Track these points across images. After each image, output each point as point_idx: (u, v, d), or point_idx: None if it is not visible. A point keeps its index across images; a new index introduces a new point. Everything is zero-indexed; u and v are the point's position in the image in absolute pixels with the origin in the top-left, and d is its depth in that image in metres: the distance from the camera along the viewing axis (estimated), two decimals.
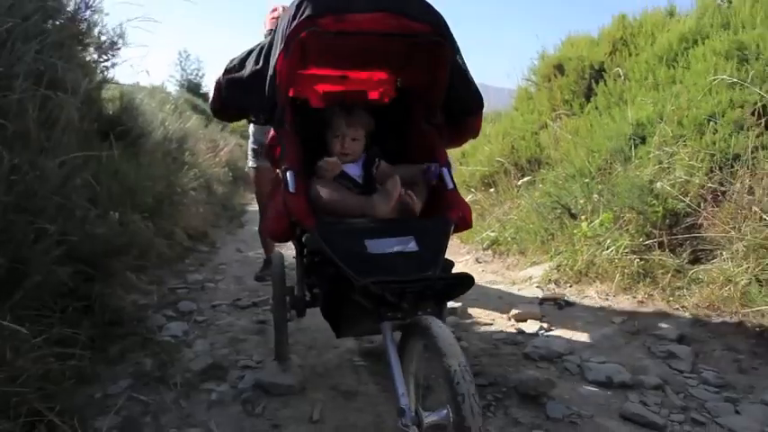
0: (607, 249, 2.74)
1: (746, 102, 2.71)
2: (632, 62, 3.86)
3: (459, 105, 1.73)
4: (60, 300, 1.89)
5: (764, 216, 2.22)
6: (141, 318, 2.46)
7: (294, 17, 1.48)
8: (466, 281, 1.30)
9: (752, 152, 2.51)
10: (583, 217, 3.04)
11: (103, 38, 3.88)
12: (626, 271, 2.61)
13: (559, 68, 4.74)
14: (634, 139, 3.18)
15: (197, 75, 16.49)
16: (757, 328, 2.02)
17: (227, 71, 1.74)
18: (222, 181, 7.95)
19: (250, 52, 1.71)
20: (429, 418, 1.12)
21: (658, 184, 2.67)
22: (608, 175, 3.13)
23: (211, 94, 1.85)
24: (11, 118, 1.93)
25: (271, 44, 1.61)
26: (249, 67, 1.67)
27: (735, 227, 2.31)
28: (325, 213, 1.50)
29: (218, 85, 1.76)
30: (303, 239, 1.75)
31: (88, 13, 3.64)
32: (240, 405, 1.70)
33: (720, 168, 2.60)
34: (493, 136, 5.17)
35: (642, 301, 2.53)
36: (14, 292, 1.60)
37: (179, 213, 4.65)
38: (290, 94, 1.78)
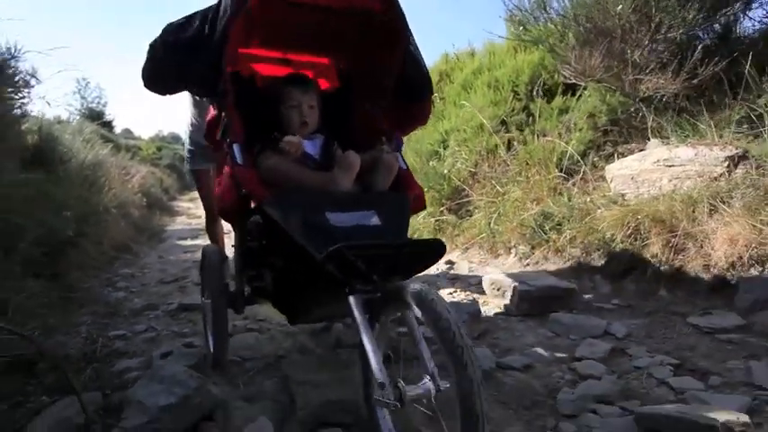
0: (419, 217, 4.13)
1: (497, 116, 4.24)
2: (449, 88, 5.39)
3: (409, 89, 1.69)
4: (35, 269, 2.86)
5: (496, 185, 3.70)
6: (89, 290, 3.41)
7: None
8: (437, 248, 1.25)
9: (496, 147, 4.02)
10: None
11: (17, 78, 4.73)
12: (428, 229, 4.01)
13: None
14: (442, 143, 4.64)
15: (98, 103, 16.44)
16: (487, 248, 3.45)
17: (165, 33, 1.59)
18: (137, 205, 8.56)
19: (191, 17, 1.59)
20: (412, 392, 1.05)
21: (446, 171, 4.11)
22: (426, 167, 4.55)
23: (143, 62, 1.64)
24: None
25: (218, 9, 1.52)
26: (192, 30, 1.55)
27: (481, 193, 3.78)
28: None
29: (154, 50, 1.59)
30: (248, 225, 1.60)
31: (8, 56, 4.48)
32: (169, 317, 2.78)
33: (483, 159, 4.10)
34: None
35: None
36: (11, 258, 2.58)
37: (102, 230, 5.46)
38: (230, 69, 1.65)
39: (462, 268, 3.35)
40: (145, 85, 1.68)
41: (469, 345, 1.03)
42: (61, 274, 3.21)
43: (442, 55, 5.91)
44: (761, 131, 2.56)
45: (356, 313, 1.17)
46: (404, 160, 1.67)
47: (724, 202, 2.22)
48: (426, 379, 1.07)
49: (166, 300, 3.20)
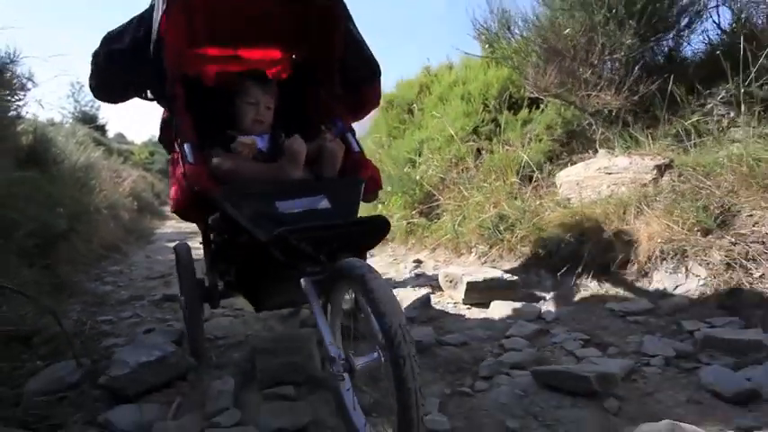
0: (393, 219, 4.40)
1: (468, 125, 4.54)
2: (428, 100, 5.70)
3: (354, 73, 1.70)
4: (28, 260, 3.09)
5: (462, 190, 3.98)
6: (78, 283, 3.63)
7: None
8: (381, 224, 1.27)
9: (465, 156, 4.32)
10: (386, 201, 4.71)
11: (15, 81, 4.96)
12: (400, 231, 4.28)
13: (391, 103, 6.52)
14: (417, 151, 4.93)
15: (92, 107, 16.54)
16: (452, 248, 3.72)
17: (104, 42, 1.57)
18: (128, 207, 8.75)
19: (130, 21, 1.57)
20: (360, 362, 1.10)
21: (418, 177, 4.39)
22: (401, 173, 4.83)
23: (89, 69, 1.62)
24: None
25: (152, 9, 1.49)
26: (130, 35, 1.53)
27: (449, 197, 4.06)
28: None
29: (97, 59, 1.58)
30: (210, 221, 1.66)
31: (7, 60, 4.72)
32: (154, 306, 3.02)
33: (452, 166, 4.39)
34: None
35: (410, 248, 4.20)
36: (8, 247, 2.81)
37: (93, 229, 5.66)
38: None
39: (428, 267, 3.61)
40: (94, 96, 1.70)
41: (413, 354, 1.00)
42: (52, 268, 3.43)
43: (423, 68, 6.23)
44: (687, 145, 2.87)
45: (309, 294, 1.24)
46: (357, 143, 1.69)
47: (649, 205, 2.51)
48: (376, 351, 1.10)
49: (151, 292, 3.43)
